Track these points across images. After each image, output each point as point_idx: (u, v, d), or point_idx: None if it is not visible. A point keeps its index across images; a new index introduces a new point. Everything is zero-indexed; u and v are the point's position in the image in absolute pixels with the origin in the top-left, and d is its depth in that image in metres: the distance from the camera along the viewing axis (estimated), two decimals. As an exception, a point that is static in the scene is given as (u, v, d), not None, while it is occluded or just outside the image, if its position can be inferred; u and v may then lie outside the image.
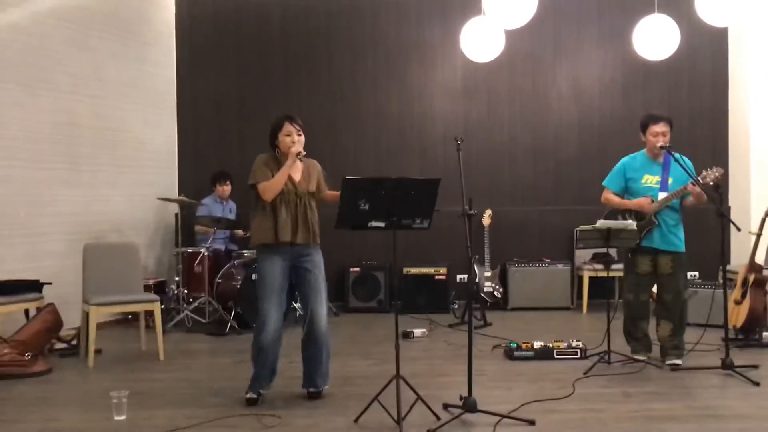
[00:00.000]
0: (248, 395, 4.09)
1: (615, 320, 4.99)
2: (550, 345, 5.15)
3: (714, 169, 4.78)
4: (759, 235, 5.64)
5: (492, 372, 4.78)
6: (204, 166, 7.54)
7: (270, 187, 4.03)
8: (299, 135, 4.12)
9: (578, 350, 5.09)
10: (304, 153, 4.09)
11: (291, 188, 4.11)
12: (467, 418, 3.68)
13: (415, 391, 3.75)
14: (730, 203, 7.55)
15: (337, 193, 4.03)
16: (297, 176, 4.15)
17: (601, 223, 4.84)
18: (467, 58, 6.84)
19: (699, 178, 4.71)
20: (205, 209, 6.99)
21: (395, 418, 3.56)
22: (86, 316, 5.25)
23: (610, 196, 5.10)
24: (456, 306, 7.12)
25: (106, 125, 6.65)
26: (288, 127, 4.11)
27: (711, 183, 4.74)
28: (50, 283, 5.56)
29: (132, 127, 6.99)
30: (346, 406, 3.99)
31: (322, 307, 4.14)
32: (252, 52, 7.80)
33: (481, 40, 6.46)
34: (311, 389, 4.18)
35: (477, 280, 6.94)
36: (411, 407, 3.69)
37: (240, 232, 7.19)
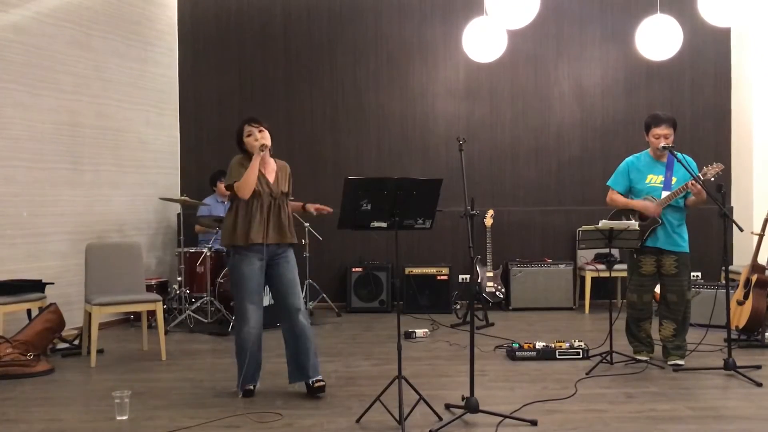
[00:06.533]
0: (244, 388, 4.20)
1: (617, 320, 4.99)
2: (552, 345, 5.14)
3: (714, 165, 4.79)
4: (761, 236, 5.63)
5: (494, 372, 4.77)
6: (206, 166, 7.53)
7: (242, 185, 4.08)
8: (260, 132, 4.19)
9: (580, 350, 5.08)
10: (268, 145, 4.16)
11: (266, 190, 4.17)
12: (469, 418, 3.68)
13: (417, 392, 3.75)
14: (733, 203, 7.55)
15: (296, 205, 4.28)
16: (271, 177, 4.23)
17: (603, 223, 4.83)
18: (469, 58, 6.84)
19: (699, 175, 4.71)
20: (206, 209, 6.99)
21: (397, 418, 3.56)
22: (88, 316, 5.27)
23: (615, 197, 5.08)
24: (458, 306, 7.11)
25: (108, 125, 6.66)
26: (247, 128, 4.21)
27: (712, 178, 4.75)
28: (52, 283, 5.57)
29: (134, 127, 7.00)
30: (348, 406, 3.99)
31: (299, 301, 4.24)
32: (254, 52, 7.80)
33: (483, 40, 6.46)
34: (310, 382, 4.19)
35: (479, 280, 6.94)
36: (413, 407, 3.69)
37: None
